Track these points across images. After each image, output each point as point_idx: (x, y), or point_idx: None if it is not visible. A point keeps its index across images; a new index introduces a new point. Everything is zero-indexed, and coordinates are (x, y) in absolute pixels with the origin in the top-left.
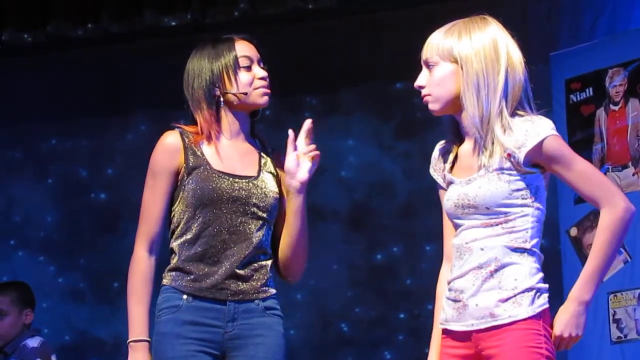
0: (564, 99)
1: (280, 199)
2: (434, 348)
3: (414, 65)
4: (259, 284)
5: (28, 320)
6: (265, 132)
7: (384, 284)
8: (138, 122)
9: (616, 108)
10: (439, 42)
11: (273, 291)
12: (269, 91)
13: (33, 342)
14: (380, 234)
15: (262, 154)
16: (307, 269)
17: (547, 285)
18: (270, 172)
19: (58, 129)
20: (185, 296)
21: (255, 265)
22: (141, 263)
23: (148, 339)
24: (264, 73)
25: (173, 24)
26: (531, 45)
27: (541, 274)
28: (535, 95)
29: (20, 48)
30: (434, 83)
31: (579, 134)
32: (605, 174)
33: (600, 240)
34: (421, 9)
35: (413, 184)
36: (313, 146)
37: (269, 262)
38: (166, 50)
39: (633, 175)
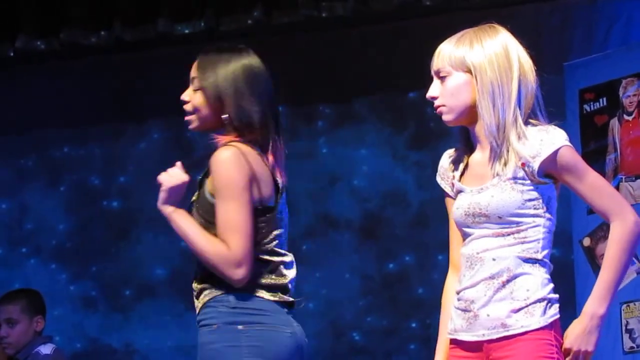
0: (578, 109)
1: (201, 204)
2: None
3: (428, 75)
4: (197, 298)
5: (39, 327)
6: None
7: (396, 293)
8: (151, 130)
9: (630, 118)
10: (451, 52)
11: (205, 300)
12: (186, 117)
13: (46, 349)
14: (393, 244)
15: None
16: (319, 278)
17: (557, 296)
18: (200, 184)
19: (71, 136)
20: None
21: (197, 279)
22: None
23: None
24: (182, 96)
25: (187, 32)
26: (545, 55)
27: (552, 285)
28: (549, 105)
29: (34, 55)
30: (448, 93)
31: (593, 144)
32: (618, 184)
33: (610, 253)
34: (434, 19)
35: (426, 193)
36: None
37: (204, 274)
38: (180, 58)
39: None
